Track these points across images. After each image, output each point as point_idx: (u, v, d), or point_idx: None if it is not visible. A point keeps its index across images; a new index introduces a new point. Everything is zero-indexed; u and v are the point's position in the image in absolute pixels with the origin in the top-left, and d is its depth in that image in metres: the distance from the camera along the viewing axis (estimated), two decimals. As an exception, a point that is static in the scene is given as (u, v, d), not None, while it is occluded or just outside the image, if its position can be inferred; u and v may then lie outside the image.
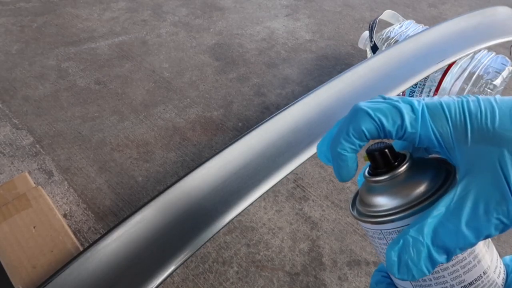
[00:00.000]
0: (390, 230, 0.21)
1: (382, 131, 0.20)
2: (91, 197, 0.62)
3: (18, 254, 0.48)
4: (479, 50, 0.69)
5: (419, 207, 0.19)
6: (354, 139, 0.20)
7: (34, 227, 0.51)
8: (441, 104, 0.20)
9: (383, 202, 0.21)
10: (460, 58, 0.67)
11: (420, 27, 0.79)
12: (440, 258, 0.18)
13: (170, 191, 0.49)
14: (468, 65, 0.68)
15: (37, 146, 0.70)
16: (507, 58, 0.69)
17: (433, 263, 0.18)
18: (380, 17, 0.85)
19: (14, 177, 0.58)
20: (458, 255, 0.20)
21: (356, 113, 0.20)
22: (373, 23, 0.80)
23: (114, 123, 0.76)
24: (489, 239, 0.21)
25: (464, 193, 0.18)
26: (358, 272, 0.53)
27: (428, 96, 0.73)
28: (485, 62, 0.68)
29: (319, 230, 0.58)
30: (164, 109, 0.79)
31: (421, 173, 0.21)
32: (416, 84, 0.73)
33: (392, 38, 0.77)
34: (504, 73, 0.66)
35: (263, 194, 0.51)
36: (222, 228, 0.48)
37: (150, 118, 0.77)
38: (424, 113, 0.20)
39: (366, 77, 0.64)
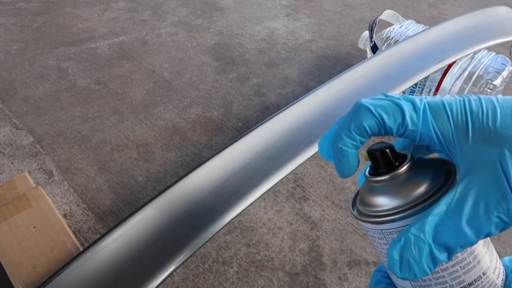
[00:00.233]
0: (390, 230, 0.21)
1: (383, 128, 0.20)
2: (91, 197, 0.62)
3: (18, 254, 0.48)
4: (479, 50, 0.69)
5: (419, 207, 0.19)
6: (356, 135, 0.20)
7: (34, 227, 0.51)
8: (443, 103, 0.20)
9: (384, 202, 0.21)
10: (460, 58, 0.67)
11: (420, 27, 0.79)
12: (441, 256, 0.18)
13: (170, 191, 0.49)
14: (468, 65, 0.68)
15: (37, 146, 0.70)
16: (507, 58, 0.69)
17: (434, 261, 0.18)
18: (380, 17, 0.85)
19: (14, 177, 0.58)
20: (458, 255, 0.20)
21: (358, 109, 0.20)
22: (373, 23, 0.80)
23: (114, 123, 0.76)
24: (489, 240, 0.21)
25: (465, 191, 0.18)
26: (358, 272, 0.53)
27: (428, 96, 0.73)
28: (485, 62, 0.68)
29: (319, 230, 0.58)
30: (164, 109, 0.79)
31: (422, 173, 0.21)
32: (416, 84, 0.73)
33: (392, 38, 0.77)
34: (504, 73, 0.66)
35: (263, 194, 0.51)
36: (222, 228, 0.48)
37: (150, 118, 0.77)
38: (425, 111, 0.20)
39: (366, 77, 0.64)
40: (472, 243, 0.18)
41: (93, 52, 0.95)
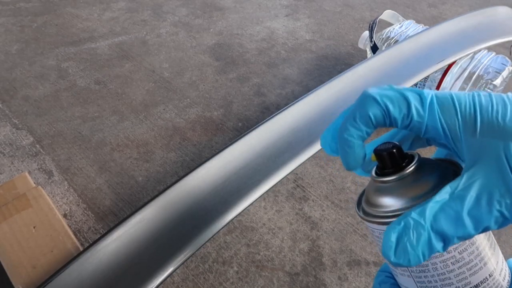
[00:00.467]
0: None
1: (388, 118, 0.20)
2: (91, 197, 0.62)
3: (18, 254, 0.48)
4: (479, 50, 0.69)
5: None
6: (361, 125, 0.20)
7: (34, 227, 0.51)
8: (451, 96, 0.20)
9: (390, 202, 0.21)
10: (460, 58, 0.67)
11: (420, 27, 0.79)
12: (438, 245, 0.18)
13: (170, 191, 0.49)
14: (468, 65, 0.68)
15: (37, 146, 0.70)
16: (507, 58, 0.69)
17: (430, 249, 0.18)
18: (380, 17, 0.85)
19: (14, 177, 0.58)
20: (464, 257, 0.20)
21: (364, 98, 0.20)
22: (373, 23, 0.80)
23: (114, 123, 0.76)
24: (495, 241, 0.21)
25: (469, 183, 0.18)
26: (358, 272, 0.53)
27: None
28: (485, 62, 0.68)
29: (319, 230, 0.58)
30: (164, 109, 0.79)
31: (429, 174, 0.21)
32: (416, 84, 0.73)
33: (392, 38, 0.77)
34: (504, 73, 0.66)
35: (263, 194, 0.51)
36: (222, 228, 0.48)
37: (150, 118, 0.77)
38: (433, 103, 0.20)
39: (366, 77, 0.64)
40: (470, 236, 0.17)
41: (93, 52, 0.95)
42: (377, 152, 0.22)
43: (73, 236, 0.51)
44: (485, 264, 0.20)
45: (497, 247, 0.21)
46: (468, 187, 0.18)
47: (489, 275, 0.20)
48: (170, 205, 0.48)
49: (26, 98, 0.81)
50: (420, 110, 0.20)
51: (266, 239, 0.57)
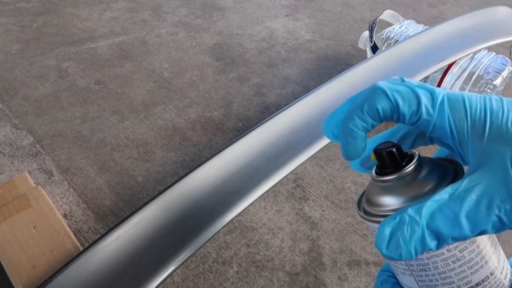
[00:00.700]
0: None
1: (396, 113, 0.20)
2: (91, 197, 0.62)
3: (18, 254, 0.48)
4: (479, 50, 0.69)
5: None
6: (368, 117, 0.20)
7: (34, 227, 0.51)
8: (462, 98, 0.20)
9: (390, 201, 0.21)
10: (460, 58, 0.67)
11: (420, 27, 0.79)
12: (431, 243, 0.18)
13: (170, 191, 0.49)
14: (468, 65, 0.68)
15: (37, 146, 0.70)
16: (507, 58, 0.69)
17: (423, 246, 0.18)
18: (380, 17, 0.85)
19: (14, 177, 0.58)
20: (465, 255, 0.20)
21: (374, 91, 0.20)
22: (373, 23, 0.80)
23: (114, 123, 0.76)
24: (496, 240, 0.21)
25: (471, 185, 0.18)
26: (358, 272, 0.53)
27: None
28: (485, 62, 0.68)
29: (319, 230, 0.58)
30: (164, 109, 0.79)
31: (429, 173, 0.21)
32: (416, 84, 0.73)
33: (392, 38, 0.77)
34: (504, 73, 0.66)
35: (263, 194, 0.51)
36: (222, 228, 0.48)
37: (150, 118, 0.77)
38: (443, 102, 0.20)
39: (366, 77, 0.64)
40: (465, 237, 0.17)
41: (93, 52, 0.95)
42: (377, 151, 0.22)
43: (73, 236, 0.51)
44: (486, 262, 0.20)
45: (499, 246, 0.21)
46: (469, 190, 0.18)
47: (491, 273, 0.20)
48: (170, 205, 0.48)
49: (26, 98, 0.81)
50: (430, 109, 0.19)
51: (266, 239, 0.57)
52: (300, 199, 0.62)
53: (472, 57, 0.69)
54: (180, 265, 0.45)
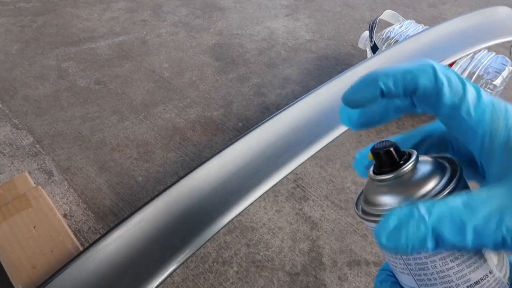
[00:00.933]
0: None
1: (434, 96, 0.19)
2: (91, 197, 0.62)
3: (18, 254, 0.48)
4: (479, 50, 0.69)
5: None
6: (400, 84, 0.19)
7: (34, 227, 0.51)
8: (506, 107, 0.19)
9: (388, 200, 0.21)
10: (460, 58, 0.67)
11: (420, 27, 0.79)
12: (430, 244, 0.17)
13: (170, 191, 0.49)
14: (468, 65, 0.68)
15: (37, 146, 0.70)
16: (507, 58, 0.69)
17: (421, 245, 0.17)
18: (380, 17, 0.85)
19: (14, 177, 0.58)
20: (463, 254, 0.20)
21: (422, 64, 0.19)
22: (373, 23, 0.80)
23: (114, 123, 0.76)
24: None
25: (487, 197, 0.17)
26: (358, 272, 0.53)
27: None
28: (485, 62, 0.68)
29: (319, 230, 0.58)
30: (164, 109, 0.79)
31: (427, 172, 0.21)
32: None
33: (392, 38, 0.77)
34: (504, 73, 0.66)
35: (263, 194, 0.51)
36: (222, 228, 0.48)
37: (150, 118, 0.77)
38: (487, 106, 0.19)
39: (366, 77, 0.64)
40: (464, 248, 0.17)
41: (93, 52, 0.95)
42: (374, 150, 0.22)
43: (73, 236, 0.51)
44: (484, 261, 0.20)
45: None
46: (484, 202, 0.17)
47: (489, 271, 0.20)
48: (170, 205, 0.48)
49: (26, 98, 0.81)
50: (471, 107, 0.19)
51: (266, 239, 0.57)
52: (300, 199, 0.62)
53: (472, 57, 0.69)
54: (180, 265, 0.45)
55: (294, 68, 0.92)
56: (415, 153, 0.22)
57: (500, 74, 0.66)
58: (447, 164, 0.22)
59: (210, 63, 0.93)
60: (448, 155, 0.23)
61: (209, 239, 0.47)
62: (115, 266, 0.44)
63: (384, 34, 0.79)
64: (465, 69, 0.68)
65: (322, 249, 0.56)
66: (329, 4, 1.21)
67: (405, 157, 0.22)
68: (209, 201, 0.49)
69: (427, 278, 0.20)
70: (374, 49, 0.78)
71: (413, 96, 0.20)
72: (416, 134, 0.24)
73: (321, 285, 0.52)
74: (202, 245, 0.46)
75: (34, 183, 0.59)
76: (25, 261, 0.48)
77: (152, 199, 0.48)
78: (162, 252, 0.45)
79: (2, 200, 0.54)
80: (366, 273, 0.53)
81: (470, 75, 0.67)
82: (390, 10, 0.87)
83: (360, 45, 0.87)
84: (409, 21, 0.81)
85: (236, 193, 0.50)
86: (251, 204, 0.50)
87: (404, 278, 0.22)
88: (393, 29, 0.79)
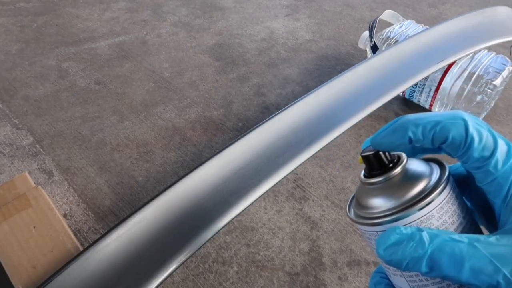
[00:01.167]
0: None
1: (463, 149, 0.19)
2: (91, 197, 0.62)
3: (18, 254, 0.48)
4: (479, 50, 0.69)
5: (414, 207, 0.20)
6: (429, 135, 0.19)
7: (34, 227, 0.51)
8: None
9: (379, 203, 0.21)
10: (460, 58, 0.67)
11: (420, 27, 0.79)
12: (424, 268, 0.18)
13: (170, 191, 0.49)
14: (468, 65, 0.68)
15: (37, 146, 0.70)
16: (507, 58, 0.69)
17: (415, 267, 0.18)
18: (380, 17, 0.85)
19: (14, 177, 0.58)
20: None
21: (454, 117, 0.19)
22: (373, 23, 0.80)
23: (114, 123, 0.76)
24: None
25: (496, 242, 0.18)
26: (358, 272, 0.53)
27: (428, 96, 0.73)
28: (485, 62, 0.68)
29: (319, 230, 0.58)
30: (164, 109, 0.79)
31: (416, 174, 0.21)
32: (416, 84, 0.73)
33: (392, 38, 0.77)
34: (504, 73, 0.66)
35: (263, 194, 0.51)
36: (222, 228, 0.48)
37: (150, 118, 0.77)
38: None
39: (366, 77, 0.64)
40: (456, 281, 0.18)
41: (93, 52, 0.95)
42: (364, 154, 0.22)
43: (73, 236, 0.51)
44: None
45: None
46: (490, 245, 0.17)
47: None
48: (170, 205, 0.48)
49: (26, 98, 0.81)
50: (500, 162, 0.19)
51: (266, 239, 0.57)
52: (300, 199, 0.62)
53: (472, 57, 0.69)
54: (180, 265, 0.45)
55: (294, 68, 0.92)
56: (404, 155, 0.22)
57: (500, 74, 0.66)
58: (435, 166, 0.22)
59: (210, 63, 0.93)
60: (436, 157, 0.24)
61: (209, 239, 0.47)
62: (115, 266, 0.44)
63: (384, 34, 0.79)
64: (465, 69, 0.68)
65: (322, 249, 0.56)
66: (329, 4, 1.21)
67: (394, 160, 0.22)
68: (209, 201, 0.49)
69: (419, 279, 0.20)
70: (374, 49, 0.78)
71: (441, 145, 0.20)
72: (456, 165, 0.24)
73: (321, 285, 0.52)
74: (202, 245, 0.46)
75: (34, 183, 0.59)
76: (25, 261, 0.48)
77: (152, 199, 0.48)
78: (162, 252, 0.45)
79: (2, 200, 0.54)
80: (366, 273, 0.53)
81: (470, 75, 0.67)
82: (390, 10, 0.87)
83: (360, 45, 0.87)
84: (409, 21, 0.81)
85: (236, 193, 0.50)
86: (251, 204, 0.50)
87: (396, 280, 0.22)
88: (393, 29, 0.79)
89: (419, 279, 0.20)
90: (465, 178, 0.24)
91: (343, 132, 0.57)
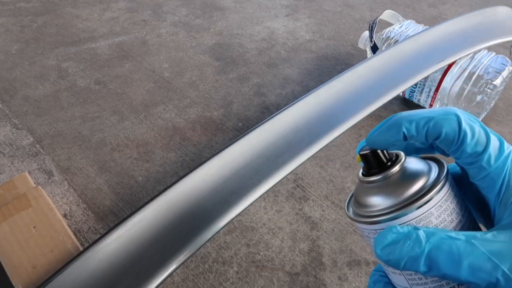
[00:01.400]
0: None
1: (456, 145, 0.19)
2: (91, 197, 0.62)
3: (18, 254, 0.48)
4: (479, 50, 0.69)
5: (413, 205, 0.20)
6: (423, 131, 0.19)
7: (34, 227, 0.51)
8: None
9: (378, 202, 0.21)
10: (460, 58, 0.67)
11: (420, 27, 0.79)
12: (422, 267, 0.18)
13: (170, 191, 0.49)
14: (468, 65, 0.68)
15: (37, 146, 0.70)
16: (507, 58, 0.69)
17: (413, 266, 0.18)
18: (380, 17, 0.85)
19: (14, 177, 0.58)
20: None
21: (447, 113, 0.19)
22: (373, 23, 0.80)
23: (114, 123, 0.76)
24: None
25: (493, 238, 0.18)
26: (358, 272, 0.53)
27: (428, 96, 0.73)
28: (485, 62, 0.68)
29: (319, 230, 0.58)
30: (164, 109, 0.79)
31: (414, 172, 0.21)
32: (416, 84, 0.73)
33: (392, 38, 0.77)
34: (504, 73, 0.66)
35: (263, 194, 0.51)
36: (222, 228, 0.48)
37: (150, 118, 0.77)
38: (508, 157, 0.19)
39: (366, 77, 0.64)
40: (455, 279, 0.18)
41: (93, 52, 0.95)
42: (362, 152, 0.22)
43: (73, 236, 0.51)
44: None
45: None
46: (488, 242, 0.17)
47: None
48: (170, 205, 0.48)
49: (26, 98, 0.81)
50: (492, 158, 0.19)
51: (266, 239, 0.57)
52: (300, 199, 0.62)
53: (472, 57, 0.69)
54: (180, 265, 0.45)
55: (294, 68, 0.92)
56: (402, 154, 0.22)
57: (500, 74, 0.66)
58: (434, 164, 0.22)
59: (210, 63, 0.93)
60: (434, 155, 0.24)
61: (209, 239, 0.47)
62: (115, 266, 0.44)
63: (384, 34, 0.79)
64: (465, 69, 0.68)
65: (322, 249, 0.56)
66: (329, 4, 1.21)
67: (393, 158, 0.22)
68: (209, 201, 0.49)
69: (418, 277, 0.20)
70: (374, 49, 0.78)
71: (434, 141, 0.20)
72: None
73: (321, 285, 0.52)
74: (202, 245, 0.46)
75: (34, 183, 0.59)
76: (25, 261, 0.48)
77: (152, 199, 0.48)
78: (162, 252, 0.45)
79: (2, 200, 0.54)
80: (366, 273, 0.53)
81: (470, 75, 0.67)
82: (390, 10, 0.87)
83: (360, 45, 0.87)
84: (409, 21, 0.81)
85: (236, 193, 0.50)
86: (251, 204, 0.50)
87: (396, 278, 0.22)
88: (393, 29, 0.79)
89: (418, 277, 0.20)
90: (460, 177, 0.24)
91: (343, 132, 0.57)
